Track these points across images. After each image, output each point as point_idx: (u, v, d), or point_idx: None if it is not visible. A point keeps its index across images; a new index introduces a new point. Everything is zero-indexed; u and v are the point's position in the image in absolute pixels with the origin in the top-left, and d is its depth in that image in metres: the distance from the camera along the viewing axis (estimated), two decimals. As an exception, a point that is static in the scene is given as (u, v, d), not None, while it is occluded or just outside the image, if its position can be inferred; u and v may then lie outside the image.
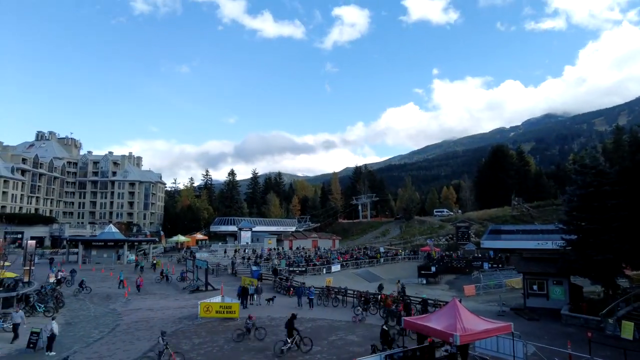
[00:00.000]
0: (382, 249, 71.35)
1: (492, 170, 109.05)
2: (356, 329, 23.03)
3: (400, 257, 65.52)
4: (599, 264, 25.08)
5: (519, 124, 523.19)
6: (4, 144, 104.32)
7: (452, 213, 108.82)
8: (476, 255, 61.71)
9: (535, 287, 28.57)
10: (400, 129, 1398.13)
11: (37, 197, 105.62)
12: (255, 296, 31.17)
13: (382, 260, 60.77)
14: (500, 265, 53.78)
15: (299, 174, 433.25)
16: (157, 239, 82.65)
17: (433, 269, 52.00)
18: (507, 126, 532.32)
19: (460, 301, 16.01)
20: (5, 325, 22.50)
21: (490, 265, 54.59)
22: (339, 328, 23.26)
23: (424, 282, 49.59)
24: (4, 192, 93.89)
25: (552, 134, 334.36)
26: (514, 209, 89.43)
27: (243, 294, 30.16)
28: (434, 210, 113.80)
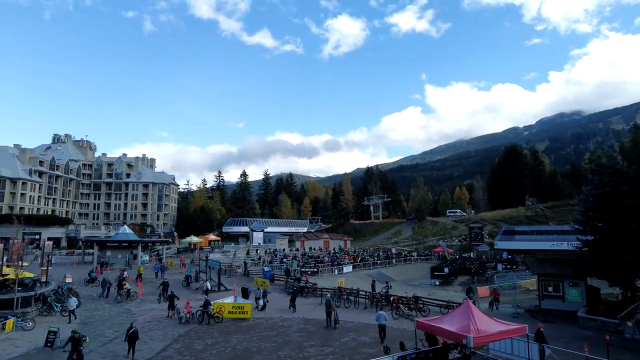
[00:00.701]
0: (394, 250, 71.01)
1: (506, 170, 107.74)
2: (368, 330, 22.94)
3: (412, 258, 65.07)
4: (617, 266, 24.56)
5: (533, 123, 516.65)
6: (22, 147, 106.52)
7: (465, 214, 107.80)
8: (490, 256, 61.06)
9: (550, 288, 28.09)
10: (412, 129, 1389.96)
11: (53, 199, 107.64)
12: (260, 300, 29.12)
13: (394, 261, 60.47)
14: (514, 267, 53.11)
15: (311, 175, 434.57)
16: (170, 240, 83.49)
17: (446, 270, 51.60)
18: (521, 125, 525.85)
19: (474, 303, 15.85)
20: (24, 324, 22.98)
21: (504, 266, 53.93)
22: (351, 329, 23.19)
23: (437, 283, 49.19)
24: (22, 194, 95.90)
25: (567, 133, 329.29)
26: (528, 209, 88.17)
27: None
28: (447, 211, 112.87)
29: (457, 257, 63.88)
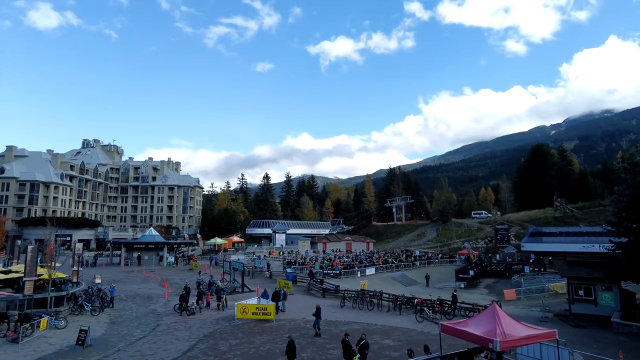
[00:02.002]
0: (417, 252, 70.20)
1: (532, 170, 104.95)
2: (392, 333, 22.72)
3: (437, 260, 64.19)
4: (653, 269, 23.55)
5: (560, 121, 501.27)
6: (54, 152, 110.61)
7: (490, 215, 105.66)
8: (517, 258, 59.60)
9: (581, 292, 27.16)
10: (434, 129, 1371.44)
11: (83, 202, 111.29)
12: (281, 303, 28.78)
13: (417, 263, 59.79)
14: (542, 269, 51.67)
15: (332, 177, 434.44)
16: (195, 242, 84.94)
17: (471, 272, 50.66)
18: (548, 124, 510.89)
19: (500, 306, 15.47)
20: (57, 323, 23.79)
21: (531, 268, 52.54)
22: (374, 332, 23.01)
23: (462, 285, 48.31)
24: (54, 197, 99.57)
25: (598, 131, 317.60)
26: (557, 210, 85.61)
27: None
28: (472, 212, 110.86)
29: (483, 259, 62.64)
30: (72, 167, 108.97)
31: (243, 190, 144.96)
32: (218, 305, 29.53)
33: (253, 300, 27.93)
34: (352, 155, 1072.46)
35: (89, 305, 27.90)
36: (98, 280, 37.18)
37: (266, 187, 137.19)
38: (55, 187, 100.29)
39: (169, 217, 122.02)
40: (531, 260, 56.19)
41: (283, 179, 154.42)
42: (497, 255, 64.35)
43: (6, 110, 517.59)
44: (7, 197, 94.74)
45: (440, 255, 68.10)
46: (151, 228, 75.17)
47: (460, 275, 50.52)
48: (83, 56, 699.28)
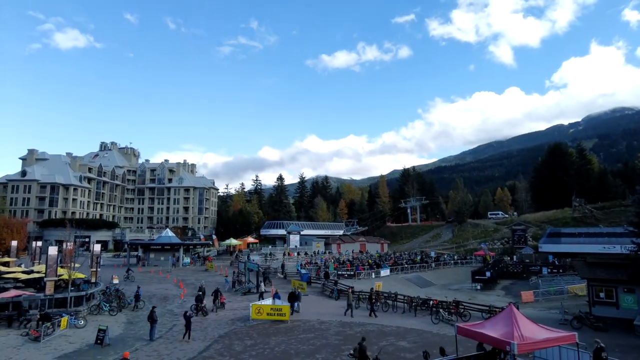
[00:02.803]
0: (432, 254, 69.61)
1: (550, 169, 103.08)
2: (407, 335, 22.56)
3: (452, 261, 63.56)
4: (677, 270, 22.89)
5: (579, 119, 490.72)
6: (73, 155, 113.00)
7: (507, 215, 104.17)
8: (534, 259, 58.60)
9: (602, 294, 26.55)
10: (451, 128, 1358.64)
11: (101, 204, 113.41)
12: (297, 304, 28.62)
13: (433, 264, 59.27)
14: (560, 270, 50.68)
15: (346, 177, 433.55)
16: (210, 243, 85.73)
17: (488, 273, 49.96)
18: (566, 122, 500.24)
19: (517, 307, 15.23)
20: (76, 322, 24.28)
21: (549, 270, 51.57)
22: (389, 333, 22.88)
23: (478, 287, 47.69)
24: (73, 199, 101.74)
25: (618, 129, 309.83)
26: (575, 210, 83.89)
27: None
28: (488, 213, 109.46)
29: (500, 260, 61.78)
30: (90, 169, 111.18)
31: (257, 191, 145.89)
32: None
33: (268, 301, 28.04)
34: (364, 157, 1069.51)
35: (107, 305, 28.39)
36: (116, 281, 37.79)
37: (280, 188, 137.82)
38: (74, 189, 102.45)
39: (185, 219, 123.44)
40: (549, 261, 55.18)
41: (296, 180, 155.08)
42: (514, 257, 63.37)
43: (28, 115, 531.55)
44: (29, 199, 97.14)
45: (455, 257, 67.41)
46: (167, 229, 76.10)
47: (477, 277, 49.88)
48: (100, 68, 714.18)
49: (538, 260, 57.95)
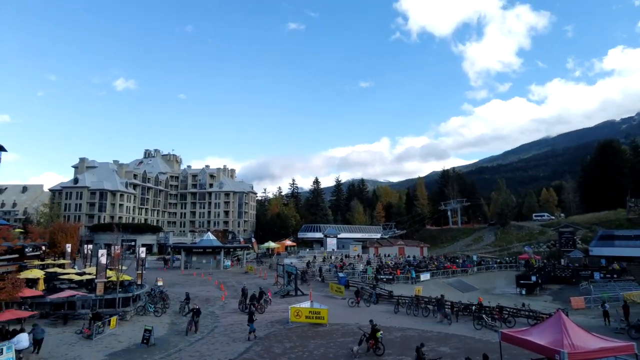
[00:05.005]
0: (474, 257, 67.54)
1: (600, 168, 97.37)
2: (449, 340, 21.99)
3: (495, 265, 61.39)
4: None
5: (633, 114, 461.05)
6: (119, 162, 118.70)
7: (553, 217, 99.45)
8: (584, 263, 55.57)
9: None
10: (491, 127, 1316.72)
11: (145, 208, 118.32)
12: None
13: (475, 269, 57.50)
14: (615, 276, 47.69)
15: (382, 180, 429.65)
16: (250, 246, 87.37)
17: (533, 278, 47.86)
18: (618, 118, 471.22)
19: (566, 314, 14.48)
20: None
21: (602, 275, 48.64)
22: (430, 339, 22.38)
23: (523, 292, 45.79)
24: (120, 205, 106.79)
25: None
26: (630, 211, 78.68)
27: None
28: (533, 215, 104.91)
29: (547, 264, 59.01)
30: (135, 176, 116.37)
31: (294, 195, 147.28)
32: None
33: (306, 304, 28.17)
34: (401, 158, 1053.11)
35: (152, 306, 29.49)
36: (160, 283, 39.14)
37: (316, 191, 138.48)
38: (121, 195, 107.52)
39: (225, 222, 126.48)
40: (602, 266, 52.12)
41: (332, 183, 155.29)
42: (562, 260, 60.34)
43: (80, 125, 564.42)
44: (80, 205, 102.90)
45: (499, 260, 65.06)
46: (209, 233, 78.16)
47: (521, 281, 47.91)
48: (143, 78, 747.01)
49: (589, 264, 54.94)
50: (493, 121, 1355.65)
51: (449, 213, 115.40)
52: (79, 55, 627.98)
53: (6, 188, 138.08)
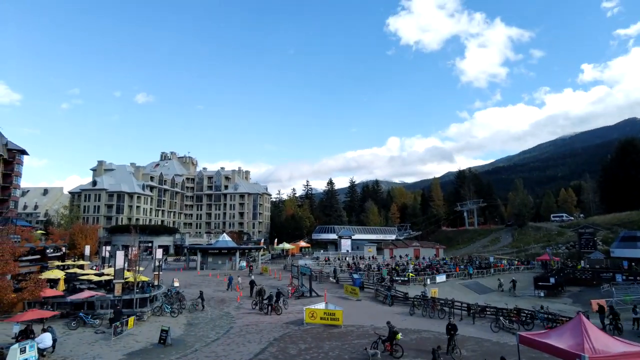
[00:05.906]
0: (491, 259, 66.61)
1: (622, 167, 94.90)
2: (465, 343, 21.71)
3: (513, 267, 60.43)
4: None
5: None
6: (136, 165, 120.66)
7: (572, 218, 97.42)
8: (605, 265, 54.28)
9: (687, 304, 24.06)
10: (504, 127, 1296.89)
11: (162, 210, 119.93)
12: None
13: (492, 270, 56.70)
14: (638, 278, 46.45)
15: (396, 181, 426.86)
16: (264, 247, 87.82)
17: (552, 280, 46.97)
18: (639, 116, 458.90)
19: (587, 317, 14.16)
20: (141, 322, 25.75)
21: (624, 277, 47.42)
22: (446, 341, 22.11)
23: (542, 294, 44.93)
24: (137, 207, 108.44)
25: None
26: (654, 212, 76.70)
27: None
28: (551, 215, 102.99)
29: (566, 265, 57.83)
30: (152, 178, 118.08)
31: (308, 196, 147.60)
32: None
33: (321, 305, 28.16)
34: (416, 159, 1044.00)
35: (169, 307, 29.86)
36: (176, 284, 39.61)
37: (330, 193, 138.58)
38: (138, 197, 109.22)
39: (241, 224, 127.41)
40: (624, 268, 50.84)
41: (346, 184, 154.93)
42: (582, 262, 59.06)
43: (100, 131, 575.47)
44: (99, 207, 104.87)
45: (516, 262, 64.04)
46: (224, 234, 78.81)
47: (540, 283, 47.05)
48: (159, 96, 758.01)
49: (611, 266, 53.65)
50: (508, 122, 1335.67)
51: (465, 214, 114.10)
52: (103, 71, 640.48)
53: (28, 191, 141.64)
